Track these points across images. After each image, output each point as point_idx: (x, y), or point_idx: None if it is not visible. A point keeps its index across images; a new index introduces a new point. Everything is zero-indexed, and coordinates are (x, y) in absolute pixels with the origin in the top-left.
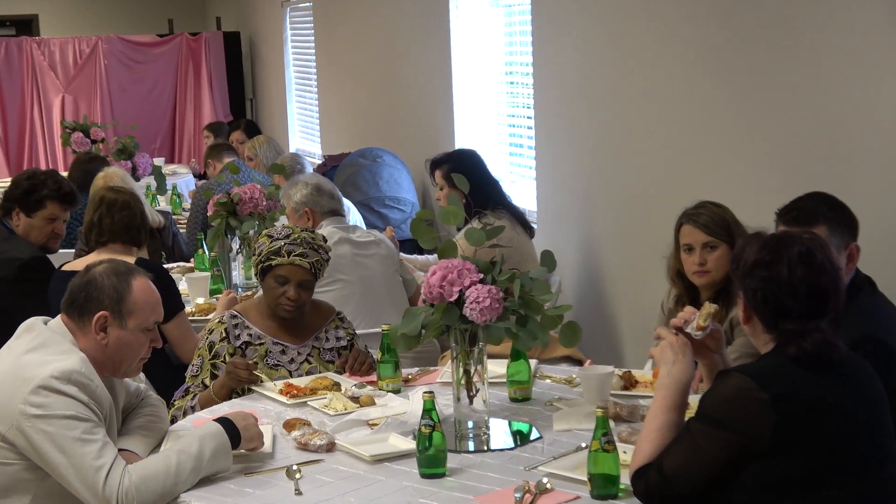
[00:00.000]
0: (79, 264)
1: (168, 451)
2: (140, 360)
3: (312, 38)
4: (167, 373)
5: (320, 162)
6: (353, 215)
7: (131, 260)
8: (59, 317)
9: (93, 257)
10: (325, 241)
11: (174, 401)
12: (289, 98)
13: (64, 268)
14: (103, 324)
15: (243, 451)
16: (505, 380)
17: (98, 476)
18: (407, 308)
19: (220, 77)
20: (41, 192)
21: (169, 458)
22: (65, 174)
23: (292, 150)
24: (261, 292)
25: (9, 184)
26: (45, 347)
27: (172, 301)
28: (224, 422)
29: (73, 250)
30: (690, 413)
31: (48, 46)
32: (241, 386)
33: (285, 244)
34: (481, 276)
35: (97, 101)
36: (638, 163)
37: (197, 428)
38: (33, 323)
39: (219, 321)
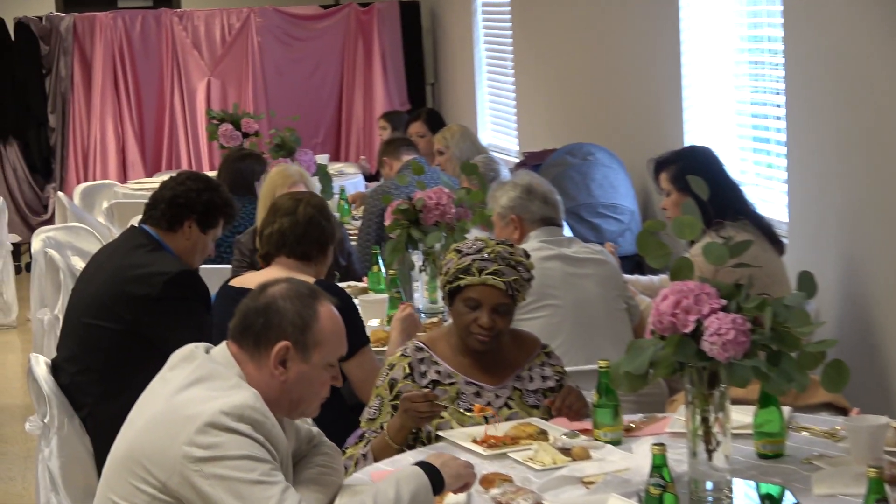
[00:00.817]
0: (250, 280)
1: (363, 496)
2: (320, 399)
3: (509, 9)
4: (341, 416)
5: (518, 161)
6: None
7: (309, 279)
8: (223, 345)
9: (268, 274)
10: (527, 256)
11: (346, 448)
12: (478, 83)
13: (233, 283)
14: (284, 356)
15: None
16: (751, 431)
17: None
18: (631, 341)
19: (395, 57)
20: (224, 209)
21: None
22: (211, 174)
23: (485, 145)
24: (451, 320)
25: (180, 188)
26: (209, 381)
27: (356, 334)
28: (421, 464)
29: (227, 265)
30: None
31: (191, 20)
32: (422, 425)
33: (476, 260)
34: (724, 302)
35: (249, 86)
36: None
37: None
38: (193, 351)
39: (401, 354)
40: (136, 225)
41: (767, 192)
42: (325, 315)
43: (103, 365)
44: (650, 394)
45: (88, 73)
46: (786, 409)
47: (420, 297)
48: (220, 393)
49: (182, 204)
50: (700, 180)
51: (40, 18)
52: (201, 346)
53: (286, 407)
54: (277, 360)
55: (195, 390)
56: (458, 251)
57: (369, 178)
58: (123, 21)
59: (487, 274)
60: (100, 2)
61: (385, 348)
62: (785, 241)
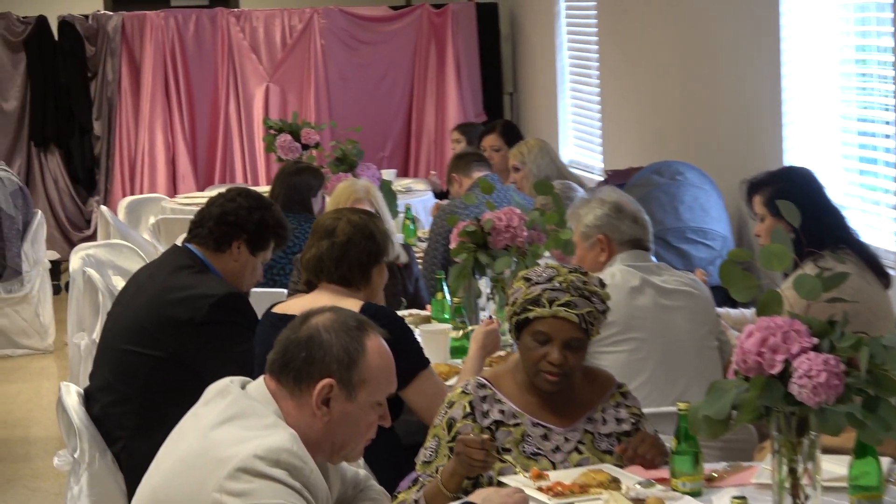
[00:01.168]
0: (294, 307)
1: None
2: (365, 441)
3: (595, 13)
4: (395, 456)
5: (601, 179)
6: None
7: (354, 306)
8: (260, 379)
9: (312, 299)
10: (603, 285)
11: (398, 493)
12: (560, 93)
13: (276, 310)
14: (327, 395)
15: None
16: (845, 484)
17: None
18: (713, 381)
19: (470, 63)
20: (276, 230)
21: None
22: (265, 190)
23: (566, 161)
24: (517, 354)
25: (229, 205)
26: (243, 419)
27: (413, 357)
28: None
29: (279, 289)
30: None
31: (249, 21)
32: (475, 473)
33: (546, 290)
34: (815, 341)
35: (310, 93)
36: None
37: None
38: (227, 386)
39: (462, 391)
40: (180, 244)
41: (874, 219)
42: (374, 350)
43: (141, 395)
44: (737, 440)
45: (137, 77)
46: (885, 461)
47: None
48: (254, 433)
49: (231, 223)
50: (791, 205)
51: (86, 17)
52: (237, 380)
53: (328, 450)
54: (320, 398)
55: (228, 429)
56: (527, 279)
57: (440, 195)
58: (176, 21)
59: (559, 305)
60: None
61: (450, 382)
62: (892, 272)
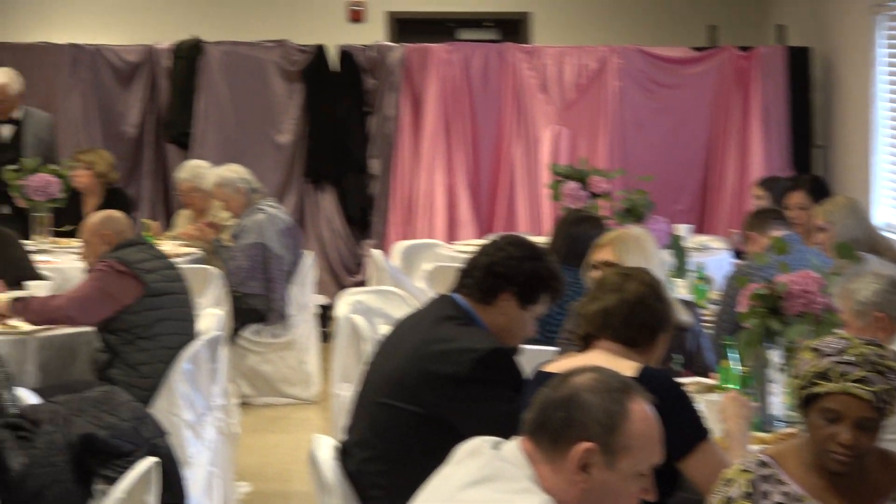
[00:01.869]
0: (564, 367)
1: None
2: None
3: None
4: None
5: None
6: None
7: (629, 369)
8: (515, 441)
9: (586, 359)
10: None
11: None
12: (874, 148)
13: (546, 368)
14: (586, 460)
15: None
16: None
17: None
18: None
19: (777, 112)
20: (549, 283)
21: None
22: (544, 240)
23: (879, 224)
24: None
25: (499, 254)
26: (495, 482)
27: (693, 426)
28: None
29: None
30: None
31: (540, 57)
32: None
33: (837, 363)
34: None
35: (603, 138)
36: None
37: None
38: (479, 446)
39: (742, 469)
40: (447, 293)
41: None
42: (638, 414)
43: (398, 453)
44: None
45: (418, 114)
46: None
47: (777, 401)
48: (506, 496)
49: (500, 273)
50: None
51: (365, 47)
52: (489, 440)
53: None
54: (579, 463)
55: (478, 491)
56: (816, 350)
57: (739, 254)
58: (462, 55)
59: (851, 381)
60: (438, 32)
61: None
62: None
